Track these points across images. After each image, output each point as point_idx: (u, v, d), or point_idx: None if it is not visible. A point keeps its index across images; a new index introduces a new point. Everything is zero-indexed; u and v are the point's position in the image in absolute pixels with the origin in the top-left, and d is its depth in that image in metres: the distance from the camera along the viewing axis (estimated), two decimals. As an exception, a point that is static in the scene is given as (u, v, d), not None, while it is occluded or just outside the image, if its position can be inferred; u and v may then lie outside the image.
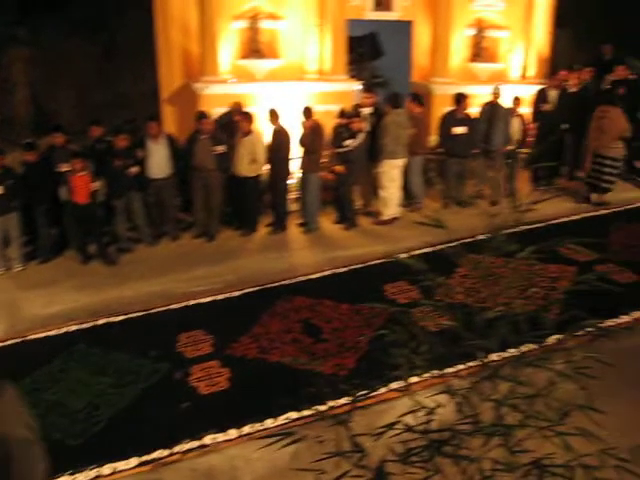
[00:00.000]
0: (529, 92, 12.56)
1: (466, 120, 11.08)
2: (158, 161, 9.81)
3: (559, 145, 12.17)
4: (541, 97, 12.12)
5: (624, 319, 7.73)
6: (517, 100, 11.49)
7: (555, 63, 14.24)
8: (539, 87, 12.46)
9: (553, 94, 12.02)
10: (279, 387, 6.40)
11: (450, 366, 5.60)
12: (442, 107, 11.79)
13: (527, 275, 8.38)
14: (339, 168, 10.28)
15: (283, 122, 10.27)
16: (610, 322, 7.60)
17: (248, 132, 9.99)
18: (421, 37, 13.15)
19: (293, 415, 6.03)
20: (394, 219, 10.64)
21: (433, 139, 11.44)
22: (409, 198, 11.17)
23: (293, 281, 8.77)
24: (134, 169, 9.53)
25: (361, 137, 10.30)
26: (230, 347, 7.22)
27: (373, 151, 10.49)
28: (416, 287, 8.11)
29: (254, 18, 11.53)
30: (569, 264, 8.92)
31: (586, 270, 8.73)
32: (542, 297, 8.01)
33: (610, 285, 7.91)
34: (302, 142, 10.21)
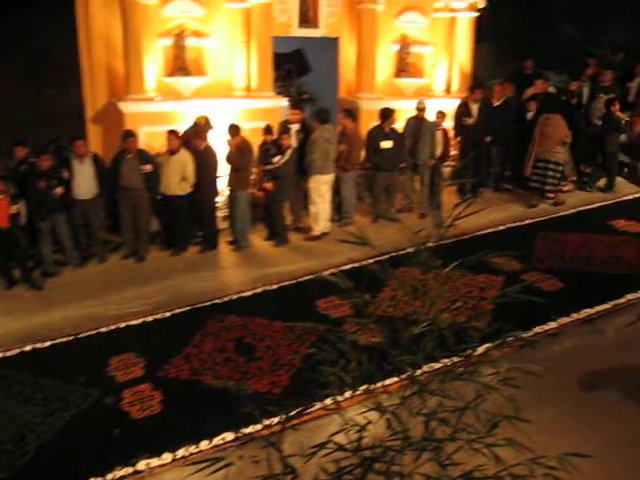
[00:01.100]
0: (453, 106, 12.81)
1: (393, 134, 11.22)
2: (84, 181, 9.61)
3: (485, 157, 12.48)
4: (463, 111, 12.38)
5: (551, 325, 7.94)
6: (441, 114, 11.74)
7: (478, 77, 14.59)
8: (461, 101, 12.73)
9: (475, 108, 12.30)
10: (213, 408, 6.33)
11: (379, 382, 5.64)
12: (369, 122, 11.91)
13: (456, 286, 8.52)
14: (268, 185, 10.27)
15: (210, 140, 10.23)
16: (538, 329, 7.80)
17: (176, 150, 9.91)
18: (347, 53, 13.27)
19: (228, 436, 5.98)
20: (324, 234, 10.68)
21: (363, 154, 11.54)
22: (339, 213, 11.25)
23: (225, 300, 8.71)
24: (58, 190, 9.31)
25: (289, 153, 10.32)
26: (162, 369, 7.12)
27: (302, 167, 10.53)
28: (347, 302, 8.16)
29: (179, 36, 11.43)
30: (497, 274, 9.10)
31: (513, 279, 8.93)
32: (471, 307, 8.16)
33: (535, 294, 8.11)
34: (229, 160, 10.17)
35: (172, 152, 9.92)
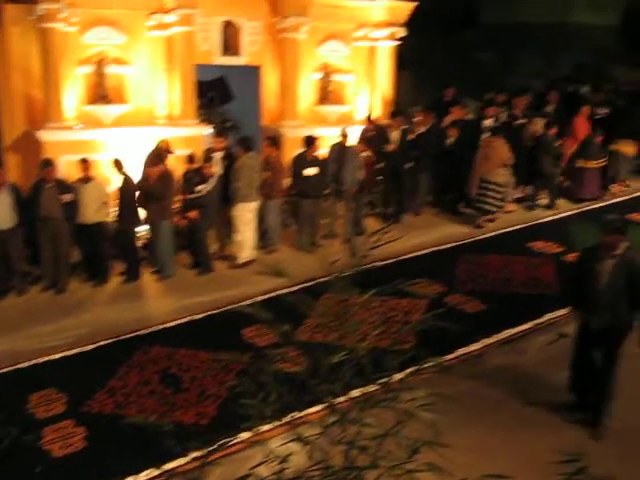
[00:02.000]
0: (373, 132, 12.99)
1: (316, 161, 11.30)
2: (2, 212, 9.36)
3: (407, 183, 12.70)
4: (383, 138, 12.60)
5: (474, 347, 8.10)
6: (363, 140, 11.91)
7: (399, 104, 14.88)
8: (378, 128, 12.95)
9: (395, 135, 12.53)
10: (138, 443, 6.18)
11: (301, 412, 5.61)
12: (293, 149, 11.99)
13: (380, 311, 8.59)
14: (192, 214, 10.20)
15: (128, 170, 10.12)
16: (461, 351, 7.94)
17: (88, 179, 9.83)
18: (270, 81, 13.36)
19: (153, 472, 5.86)
20: (249, 262, 10.64)
21: (288, 181, 11.60)
22: (264, 240, 11.24)
23: (149, 331, 8.58)
24: (-26, 221, 9.06)
25: (213, 182, 10.29)
26: (85, 404, 6.96)
27: (226, 195, 10.50)
28: (273, 329, 8.14)
29: (100, 63, 11.33)
30: (421, 297, 9.21)
31: (437, 302, 9.08)
32: (396, 332, 8.23)
33: (458, 316, 8.26)
34: (151, 189, 10.05)
35: (85, 180, 9.82)
